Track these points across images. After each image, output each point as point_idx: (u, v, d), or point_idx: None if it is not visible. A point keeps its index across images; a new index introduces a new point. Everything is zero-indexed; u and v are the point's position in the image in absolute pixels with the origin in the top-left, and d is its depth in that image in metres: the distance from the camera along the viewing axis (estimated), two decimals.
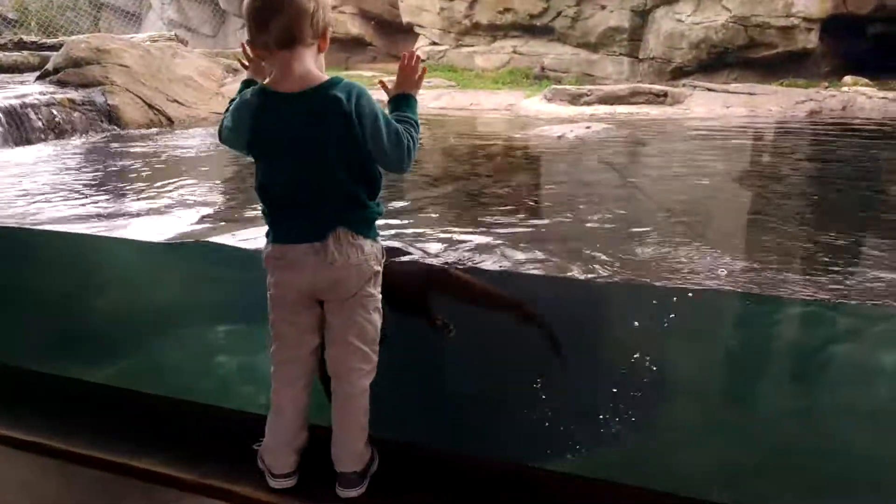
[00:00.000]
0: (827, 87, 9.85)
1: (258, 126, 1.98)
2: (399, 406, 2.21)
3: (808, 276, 2.93)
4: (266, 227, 2.10)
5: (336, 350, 2.09)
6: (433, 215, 3.75)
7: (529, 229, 3.46)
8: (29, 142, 6.52)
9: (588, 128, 6.94)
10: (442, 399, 2.79)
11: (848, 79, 10.25)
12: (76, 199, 4.27)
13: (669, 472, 2.56)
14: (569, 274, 2.84)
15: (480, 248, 3.08)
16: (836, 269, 2.98)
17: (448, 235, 3.29)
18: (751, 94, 9.14)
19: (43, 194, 4.39)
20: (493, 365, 2.81)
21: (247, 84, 2.08)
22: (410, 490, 2.11)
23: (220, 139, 2.11)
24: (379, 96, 2.12)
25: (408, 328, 2.63)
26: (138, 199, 4.23)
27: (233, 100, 2.06)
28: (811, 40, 11.05)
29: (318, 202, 2.00)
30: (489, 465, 2.26)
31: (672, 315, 2.88)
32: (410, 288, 2.46)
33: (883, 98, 8.79)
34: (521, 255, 3.01)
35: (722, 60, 11.57)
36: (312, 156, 1.97)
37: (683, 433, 2.92)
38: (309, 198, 2.00)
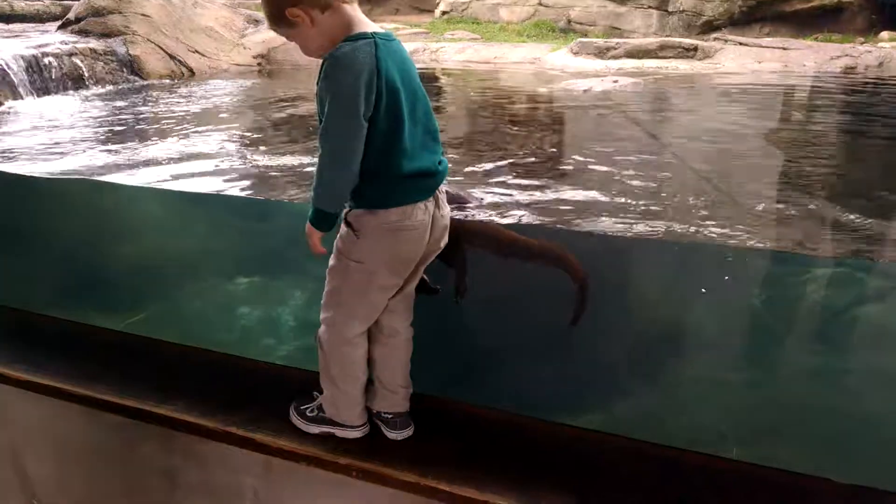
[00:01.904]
0: (863, 43, 9.57)
1: (387, 72, 1.75)
2: (421, 360, 2.20)
3: (835, 235, 2.87)
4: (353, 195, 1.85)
5: (405, 305, 2.08)
6: (452, 168, 3.70)
7: (545, 188, 3.40)
8: (50, 92, 6.51)
9: (615, 82, 6.80)
10: (461, 352, 2.78)
11: (885, 34, 9.96)
12: (100, 148, 4.26)
13: (689, 430, 2.54)
14: (586, 228, 2.80)
15: (493, 204, 3.04)
16: (865, 229, 2.92)
17: (467, 188, 3.25)
18: (784, 48, 8.90)
19: (68, 144, 4.39)
20: (512, 319, 2.79)
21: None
22: (438, 438, 2.12)
23: (340, 160, 1.76)
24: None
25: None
26: (162, 150, 4.21)
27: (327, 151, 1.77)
28: None
29: (431, 153, 1.89)
30: (508, 418, 2.26)
31: (695, 271, 2.84)
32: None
33: None
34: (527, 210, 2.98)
35: (754, 14, 11.26)
36: (425, 100, 1.86)
37: (704, 391, 2.89)
38: (426, 147, 1.87)
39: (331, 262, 1.97)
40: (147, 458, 2.39)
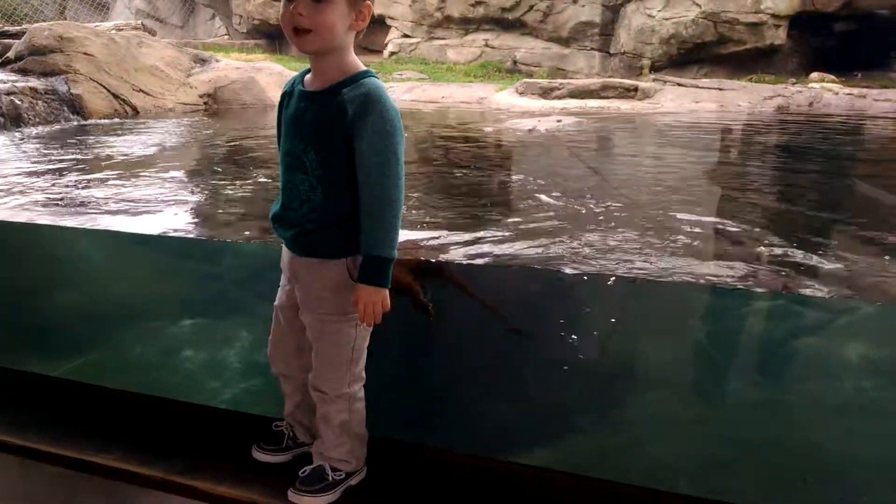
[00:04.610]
0: (794, 84, 9.99)
1: None
2: (378, 404, 2.18)
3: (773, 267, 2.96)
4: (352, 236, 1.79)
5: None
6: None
7: (490, 225, 3.44)
8: None
9: (559, 121, 6.95)
10: (409, 392, 2.77)
11: (815, 75, 10.42)
12: (35, 189, 4.16)
13: (639, 465, 2.56)
14: (536, 266, 2.83)
15: (437, 241, 3.06)
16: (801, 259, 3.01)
17: (411, 226, 3.27)
18: (720, 89, 9.25)
19: (2, 185, 4.28)
20: (463, 358, 2.79)
21: None
22: (389, 480, 2.09)
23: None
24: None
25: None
26: (101, 190, 4.13)
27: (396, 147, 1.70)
28: (779, 37, 11.20)
29: None
30: (459, 458, 2.25)
31: (639, 307, 2.88)
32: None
33: (848, 94, 8.96)
34: (474, 249, 3.00)
35: (691, 56, 11.68)
36: None
37: (651, 426, 2.92)
38: None
39: (331, 328, 1.87)
40: None
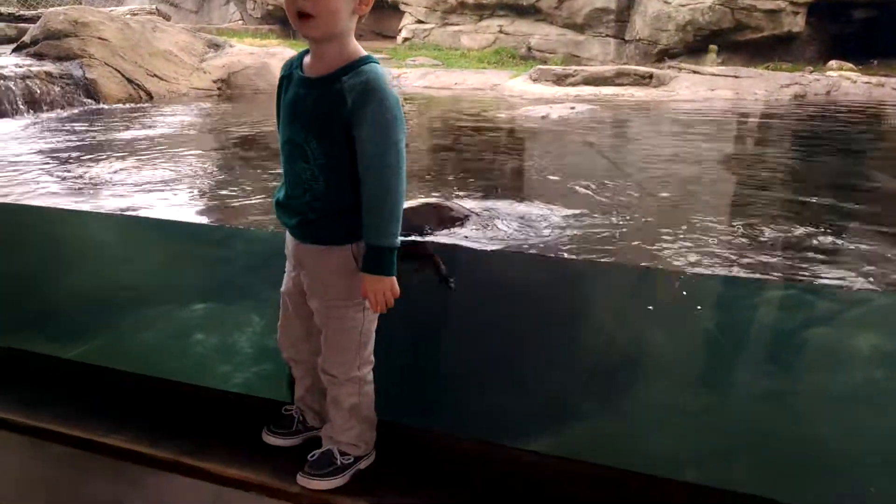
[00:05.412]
0: (812, 72, 9.87)
1: None
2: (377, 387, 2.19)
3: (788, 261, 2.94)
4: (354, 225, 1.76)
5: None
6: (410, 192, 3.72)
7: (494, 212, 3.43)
8: (5, 115, 6.40)
9: (572, 108, 6.91)
10: (417, 377, 2.78)
11: (833, 63, 10.29)
12: (51, 173, 4.19)
13: (644, 454, 2.56)
14: (543, 253, 2.83)
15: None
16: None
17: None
18: (736, 77, 9.15)
19: (17, 168, 4.31)
20: (472, 344, 2.79)
21: None
22: (390, 464, 2.10)
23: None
24: None
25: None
26: (114, 174, 4.15)
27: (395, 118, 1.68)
28: (797, 24, 11.07)
29: None
30: (467, 444, 2.25)
31: (648, 296, 2.88)
32: None
33: (867, 83, 8.85)
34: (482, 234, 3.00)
35: (708, 43, 11.56)
36: None
37: (658, 414, 2.92)
38: None
39: (338, 314, 1.87)
40: (94, 490, 2.33)
